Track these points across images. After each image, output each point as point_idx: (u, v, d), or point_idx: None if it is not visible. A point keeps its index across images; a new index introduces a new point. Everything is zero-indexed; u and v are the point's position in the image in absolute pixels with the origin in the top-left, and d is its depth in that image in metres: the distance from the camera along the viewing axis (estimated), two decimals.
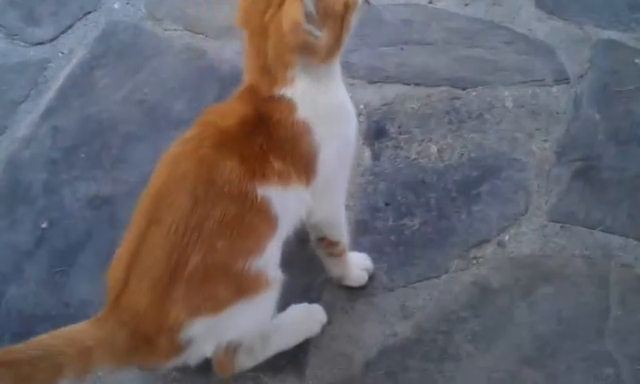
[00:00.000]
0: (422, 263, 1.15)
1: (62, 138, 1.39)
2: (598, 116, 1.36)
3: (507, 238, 1.17)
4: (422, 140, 1.33)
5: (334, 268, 1.09)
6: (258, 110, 0.84)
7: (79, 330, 0.82)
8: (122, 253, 0.84)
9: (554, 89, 1.43)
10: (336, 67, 0.91)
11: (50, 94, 1.47)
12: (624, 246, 1.14)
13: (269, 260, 0.87)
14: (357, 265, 1.11)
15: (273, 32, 0.81)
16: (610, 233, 1.16)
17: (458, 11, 1.59)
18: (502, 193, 1.24)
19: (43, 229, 1.24)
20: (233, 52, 1.55)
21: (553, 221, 1.19)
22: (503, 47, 1.51)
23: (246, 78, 0.89)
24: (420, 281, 1.13)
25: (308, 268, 1.06)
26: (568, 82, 1.44)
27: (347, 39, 0.87)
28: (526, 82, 1.43)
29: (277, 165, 0.84)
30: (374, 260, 1.14)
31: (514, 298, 1.09)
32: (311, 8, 0.78)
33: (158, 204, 0.81)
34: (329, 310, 1.08)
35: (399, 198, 1.24)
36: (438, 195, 1.23)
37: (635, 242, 1.15)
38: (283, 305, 0.98)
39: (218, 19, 1.67)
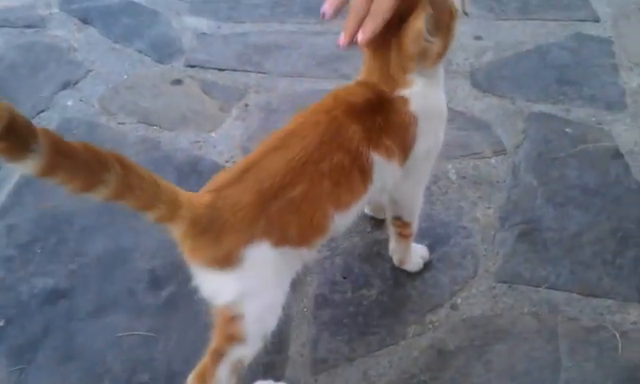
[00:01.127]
0: (382, 331, 1.17)
1: (18, 235, 1.38)
2: (535, 182, 1.44)
3: (459, 301, 1.21)
4: None
5: (397, 251, 1.26)
6: (380, 97, 1.00)
7: (179, 191, 0.89)
8: (238, 162, 0.97)
9: (493, 160, 1.51)
10: (441, 70, 1.07)
11: (4, 193, 1.48)
12: (568, 300, 1.20)
13: (340, 224, 1.00)
14: (416, 252, 1.27)
15: (395, 45, 0.97)
16: (554, 289, 1.21)
17: None
18: (451, 259, 1.29)
19: (0, 327, 1.22)
20: (187, 141, 1.62)
21: (501, 281, 1.24)
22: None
23: (366, 77, 1.03)
24: (380, 349, 1.14)
25: (272, 345, 1.08)
26: (505, 153, 1.53)
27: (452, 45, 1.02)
28: (467, 155, 1.52)
29: (387, 141, 0.98)
30: (334, 333, 1.17)
31: (469, 358, 1.11)
32: (430, 21, 0.93)
33: (290, 136, 0.94)
34: None
35: (356, 270, 1.27)
36: (392, 265, 1.27)
37: (578, 296, 1.20)
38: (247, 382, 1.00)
39: (172, 110, 1.73)
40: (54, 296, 1.26)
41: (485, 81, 1.78)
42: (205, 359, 0.95)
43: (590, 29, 2.02)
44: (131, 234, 1.36)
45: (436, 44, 0.96)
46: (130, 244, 1.34)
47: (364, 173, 0.96)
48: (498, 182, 1.46)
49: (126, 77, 1.87)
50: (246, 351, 0.94)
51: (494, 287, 1.23)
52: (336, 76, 1.84)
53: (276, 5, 2.24)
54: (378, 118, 0.97)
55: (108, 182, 0.80)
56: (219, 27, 2.11)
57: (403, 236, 1.21)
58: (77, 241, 1.36)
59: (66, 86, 1.82)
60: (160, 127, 1.68)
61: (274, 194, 0.89)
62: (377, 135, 0.97)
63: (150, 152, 1.59)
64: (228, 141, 1.62)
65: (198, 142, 1.62)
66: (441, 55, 1.00)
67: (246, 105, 1.75)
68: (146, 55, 1.98)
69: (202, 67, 1.91)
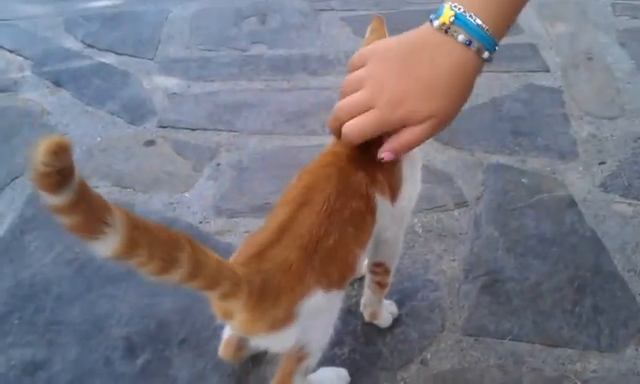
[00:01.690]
0: None
1: None
2: (496, 233, 1.50)
3: (429, 356, 1.24)
4: None
5: (371, 304, 1.28)
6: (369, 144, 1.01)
7: (234, 264, 0.89)
8: (269, 224, 0.96)
9: (456, 212, 1.57)
10: None
11: None
12: (532, 351, 1.24)
13: (362, 261, 1.10)
14: (386, 308, 1.31)
15: None
16: (518, 340, 1.25)
17: None
18: (420, 313, 1.32)
19: None
20: (161, 203, 1.63)
21: (467, 335, 1.27)
22: None
23: None
24: None
25: None
26: (467, 205, 1.59)
27: None
28: (431, 209, 1.57)
29: (382, 179, 1.03)
30: None
31: None
32: None
33: (309, 191, 0.97)
34: None
35: None
36: (363, 322, 1.30)
37: (541, 347, 1.24)
38: None
39: (145, 171, 1.75)
40: (32, 368, 1.25)
41: (445, 133, 1.80)
42: (278, 375, 1.04)
43: (541, 79, 2.10)
44: (106, 300, 1.37)
45: None
46: (105, 311, 1.35)
47: (373, 213, 1.02)
48: (461, 234, 1.51)
49: (99, 139, 1.89)
50: (311, 362, 1.03)
51: (462, 340, 1.26)
52: (304, 132, 1.88)
53: (244, 63, 2.29)
54: (373, 161, 1.00)
55: (182, 262, 0.78)
56: (189, 86, 2.15)
57: (381, 285, 1.24)
58: (53, 309, 1.36)
59: None
60: (134, 189, 1.69)
61: (315, 248, 0.93)
62: (375, 177, 1.02)
63: None
64: (201, 201, 1.64)
65: (172, 203, 1.64)
66: None
67: (218, 164, 1.78)
68: (118, 117, 2.00)
69: (174, 127, 1.94)
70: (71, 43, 2.44)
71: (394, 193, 1.07)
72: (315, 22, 2.60)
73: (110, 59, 2.33)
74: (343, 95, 0.94)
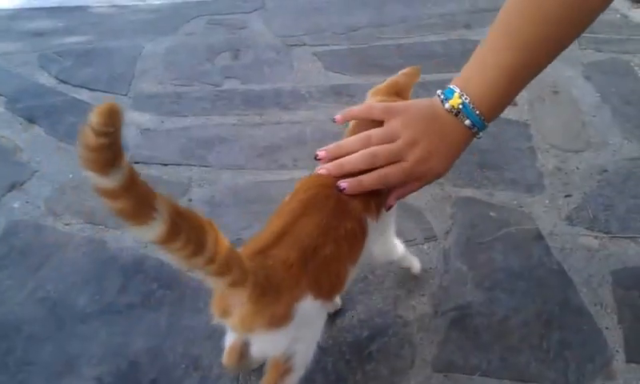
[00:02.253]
0: None
1: None
2: (465, 267, 1.50)
3: None
4: None
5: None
6: None
7: (241, 253, 0.94)
8: (269, 228, 1.03)
9: (425, 246, 1.57)
10: None
11: None
12: None
13: (350, 279, 1.13)
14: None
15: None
16: (486, 376, 1.25)
17: None
18: (390, 349, 1.31)
19: None
20: (132, 240, 1.61)
21: (437, 371, 1.26)
22: None
23: None
24: None
25: None
26: (436, 239, 1.59)
27: None
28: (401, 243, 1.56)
29: (372, 203, 1.11)
30: None
31: None
32: None
33: (308, 206, 1.04)
34: None
35: None
36: (334, 359, 1.29)
37: (509, 383, 1.23)
38: None
39: None
40: None
41: None
42: None
43: (508, 113, 2.10)
44: (77, 339, 1.35)
45: None
46: (77, 350, 1.33)
47: (364, 235, 1.10)
48: (430, 268, 1.51)
49: (71, 176, 1.87)
50: (294, 378, 1.06)
51: (431, 377, 1.26)
52: (276, 166, 1.88)
53: (217, 98, 2.29)
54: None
55: (208, 246, 0.82)
56: (162, 122, 2.14)
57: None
58: (24, 350, 1.34)
59: (12, 188, 1.81)
60: (105, 226, 1.67)
61: (313, 253, 0.99)
62: (369, 204, 1.10)
63: (96, 253, 1.59)
64: None
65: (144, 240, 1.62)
66: None
67: (190, 199, 1.77)
68: None
69: (147, 163, 1.93)
70: (45, 79, 2.43)
71: (378, 208, 1.14)
72: (287, 57, 2.62)
73: (83, 95, 2.33)
74: (368, 140, 1.09)
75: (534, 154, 1.91)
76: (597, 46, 2.55)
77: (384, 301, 1.43)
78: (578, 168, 1.85)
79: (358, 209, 1.07)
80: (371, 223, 1.11)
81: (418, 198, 1.72)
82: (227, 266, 0.87)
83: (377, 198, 1.11)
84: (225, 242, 0.85)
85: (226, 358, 1.18)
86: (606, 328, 1.34)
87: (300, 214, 1.02)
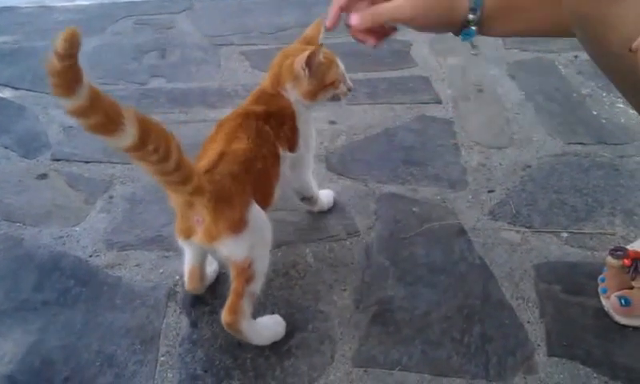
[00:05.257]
0: None
1: None
2: (387, 262, 1.45)
3: None
4: None
5: (313, 208, 1.58)
6: (272, 104, 1.31)
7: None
8: (207, 154, 1.17)
9: (348, 242, 1.52)
10: (311, 114, 1.42)
11: None
12: (421, 381, 1.18)
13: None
14: (326, 197, 1.60)
15: (287, 63, 1.31)
16: (407, 371, 1.20)
17: None
18: (310, 345, 1.25)
19: None
20: (50, 237, 1.53)
21: (357, 366, 1.21)
22: (301, 208, 1.59)
23: (262, 85, 1.37)
24: None
25: None
26: (359, 235, 1.54)
27: (320, 101, 1.36)
28: (323, 239, 1.52)
29: (284, 136, 1.31)
30: None
31: None
32: (314, 64, 1.28)
33: (235, 131, 1.21)
34: None
35: (217, 362, 1.22)
36: (253, 355, 1.23)
37: (430, 377, 1.19)
38: None
39: (36, 205, 1.65)
40: None
41: (339, 164, 1.80)
42: (230, 298, 1.16)
43: (433, 111, 2.10)
44: None
45: (307, 81, 1.29)
46: None
47: (278, 158, 1.28)
48: (352, 263, 1.45)
49: None
50: (257, 286, 1.18)
51: (351, 372, 1.20)
52: None
53: (142, 96, 2.22)
54: (276, 123, 1.29)
55: (174, 151, 0.94)
56: None
57: (313, 204, 1.57)
58: None
59: None
60: (23, 223, 1.59)
61: (249, 167, 1.16)
62: (278, 133, 1.29)
63: (12, 250, 1.50)
64: (92, 234, 1.55)
65: (62, 237, 1.54)
66: (308, 95, 1.32)
67: (111, 197, 1.69)
68: (12, 151, 1.90)
69: (68, 160, 1.84)
70: None
71: (291, 145, 1.33)
72: (215, 57, 2.56)
73: (6, 93, 2.24)
74: None
75: (458, 151, 1.88)
76: (522, 46, 2.55)
77: (304, 296, 1.37)
78: (501, 164, 1.82)
79: (271, 134, 1.25)
80: (284, 152, 1.30)
81: (341, 194, 1.67)
82: (189, 175, 1.00)
83: (285, 131, 1.30)
84: (178, 146, 0.96)
85: (188, 283, 1.32)
86: (528, 322, 1.30)
87: (229, 140, 1.17)
